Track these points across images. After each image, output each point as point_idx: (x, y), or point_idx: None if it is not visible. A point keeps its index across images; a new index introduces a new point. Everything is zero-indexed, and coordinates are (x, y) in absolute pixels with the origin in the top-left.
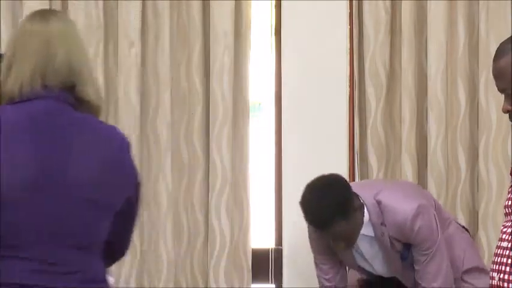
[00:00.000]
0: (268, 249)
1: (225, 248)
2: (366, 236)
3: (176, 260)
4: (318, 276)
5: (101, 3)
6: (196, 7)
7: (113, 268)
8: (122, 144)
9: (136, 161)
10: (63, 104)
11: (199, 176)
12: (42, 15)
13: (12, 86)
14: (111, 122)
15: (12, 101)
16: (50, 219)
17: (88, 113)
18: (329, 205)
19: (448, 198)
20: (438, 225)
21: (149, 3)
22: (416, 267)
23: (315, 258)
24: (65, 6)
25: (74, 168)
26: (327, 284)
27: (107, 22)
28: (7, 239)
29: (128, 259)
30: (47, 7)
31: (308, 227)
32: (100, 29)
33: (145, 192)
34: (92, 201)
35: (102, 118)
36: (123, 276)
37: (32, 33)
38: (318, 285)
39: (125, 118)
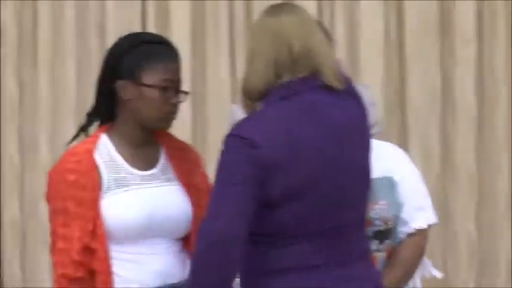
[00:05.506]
0: None
1: None
2: None
3: None
4: None
5: (435, 3)
6: None
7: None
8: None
9: (473, 158)
10: (318, 89)
11: None
12: (273, 10)
13: (256, 82)
14: (448, 120)
15: (260, 96)
16: (345, 200)
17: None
18: None
19: None
20: None
21: (486, 3)
22: None
23: None
24: (400, 6)
25: (351, 147)
26: None
27: (443, 20)
28: (305, 225)
29: (464, 258)
30: (382, 8)
31: None
32: (436, 27)
33: (481, 189)
34: (368, 177)
35: (436, 115)
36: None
37: (264, 28)
38: None
39: (460, 116)
